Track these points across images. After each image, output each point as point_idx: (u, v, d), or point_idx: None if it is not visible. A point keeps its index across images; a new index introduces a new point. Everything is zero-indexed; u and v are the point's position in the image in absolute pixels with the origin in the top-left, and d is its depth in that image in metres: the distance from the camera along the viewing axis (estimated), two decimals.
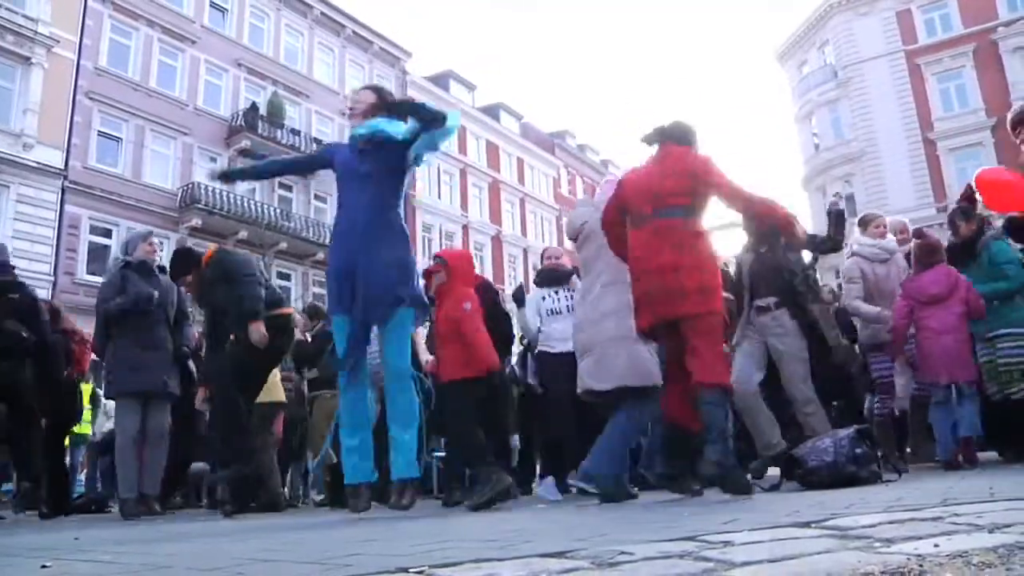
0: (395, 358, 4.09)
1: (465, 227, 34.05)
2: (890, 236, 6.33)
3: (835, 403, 6.23)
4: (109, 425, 9.58)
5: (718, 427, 3.66)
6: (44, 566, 1.88)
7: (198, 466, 7.60)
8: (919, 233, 6.39)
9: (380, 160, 4.11)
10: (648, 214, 3.92)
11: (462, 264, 5.25)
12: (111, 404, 10.01)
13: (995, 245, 5.69)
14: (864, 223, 6.39)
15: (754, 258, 5.40)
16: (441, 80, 35.46)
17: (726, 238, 4.48)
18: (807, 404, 5.12)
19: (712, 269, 3.90)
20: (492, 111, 38.55)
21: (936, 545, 1.45)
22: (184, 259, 5.63)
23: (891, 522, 1.84)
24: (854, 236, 6.43)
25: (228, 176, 4.86)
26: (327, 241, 25.88)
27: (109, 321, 5.77)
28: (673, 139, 4.13)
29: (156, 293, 5.79)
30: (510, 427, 6.99)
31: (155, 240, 6.27)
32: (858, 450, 3.85)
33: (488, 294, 5.99)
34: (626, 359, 4.25)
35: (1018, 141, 5.26)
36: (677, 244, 3.80)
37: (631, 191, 4.09)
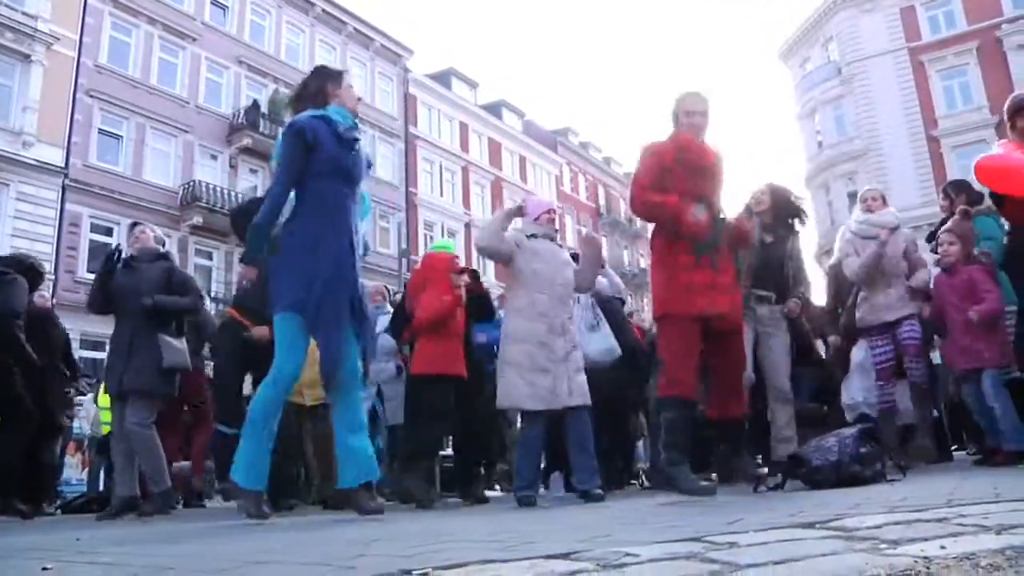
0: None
1: (467, 225, 34.01)
2: (890, 208, 5.85)
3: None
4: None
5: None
6: (45, 568, 1.87)
7: (181, 465, 7.41)
8: None
9: (361, 164, 3.90)
10: None
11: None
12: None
13: (979, 221, 5.50)
14: (861, 199, 5.99)
15: (759, 248, 5.40)
16: (443, 78, 35.44)
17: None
18: (785, 398, 5.34)
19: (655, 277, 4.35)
20: (494, 109, 38.53)
21: (943, 547, 1.44)
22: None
23: (896, 523, 1.83)
24: (854, 213, 6.07)
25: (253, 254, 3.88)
26: None
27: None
28: None
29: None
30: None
31: (141, 229, 5.81)
32: (863, 449, 3.84)
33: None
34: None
35: (1015, 133, 5.12)
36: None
37: None
